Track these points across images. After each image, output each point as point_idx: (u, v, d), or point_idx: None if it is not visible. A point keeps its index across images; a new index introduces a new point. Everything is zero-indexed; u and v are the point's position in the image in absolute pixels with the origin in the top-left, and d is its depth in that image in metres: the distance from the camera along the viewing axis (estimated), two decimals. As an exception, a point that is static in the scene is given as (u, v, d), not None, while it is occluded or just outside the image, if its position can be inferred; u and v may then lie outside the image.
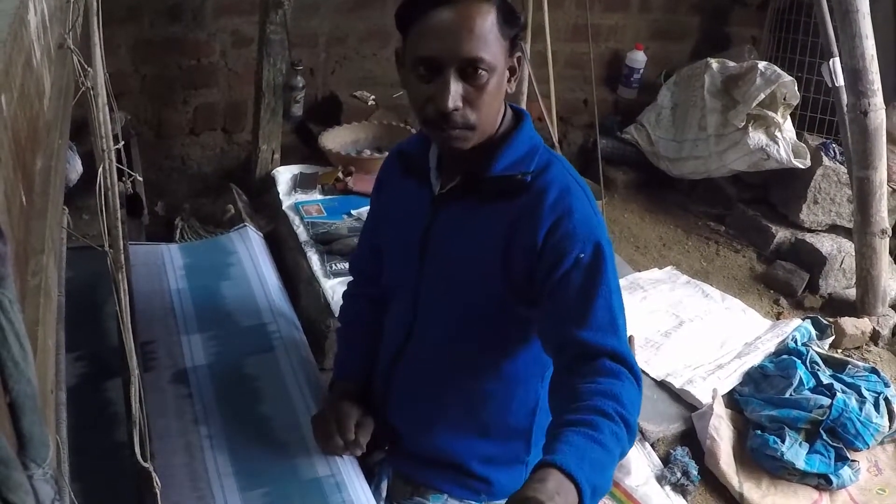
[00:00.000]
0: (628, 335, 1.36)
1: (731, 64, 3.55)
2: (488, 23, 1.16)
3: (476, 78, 1.17)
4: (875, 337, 2.98)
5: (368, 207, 1.63)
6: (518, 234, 1.26)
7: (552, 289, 1.22)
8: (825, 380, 2.42)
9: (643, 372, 2.45)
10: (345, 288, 1.71)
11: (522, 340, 1.37)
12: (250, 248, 2.14)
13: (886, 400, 2.38)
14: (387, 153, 1.61)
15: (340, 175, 2.97)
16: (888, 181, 3.01)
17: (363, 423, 1.47)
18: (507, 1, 1.21)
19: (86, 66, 0.96)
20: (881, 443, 2.38)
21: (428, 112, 1.20)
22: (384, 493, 1.50)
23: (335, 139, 3.18)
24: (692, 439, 2.31)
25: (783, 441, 2.22)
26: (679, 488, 2.15)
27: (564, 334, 1.20)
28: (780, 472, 2.22)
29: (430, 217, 1.36)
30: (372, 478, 1.49)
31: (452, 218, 1.34)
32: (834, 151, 3.42)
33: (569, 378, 1.16)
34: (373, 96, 3.54)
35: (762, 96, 3.31)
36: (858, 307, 3.09)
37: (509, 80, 1.25)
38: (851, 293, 3.20)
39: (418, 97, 1.21)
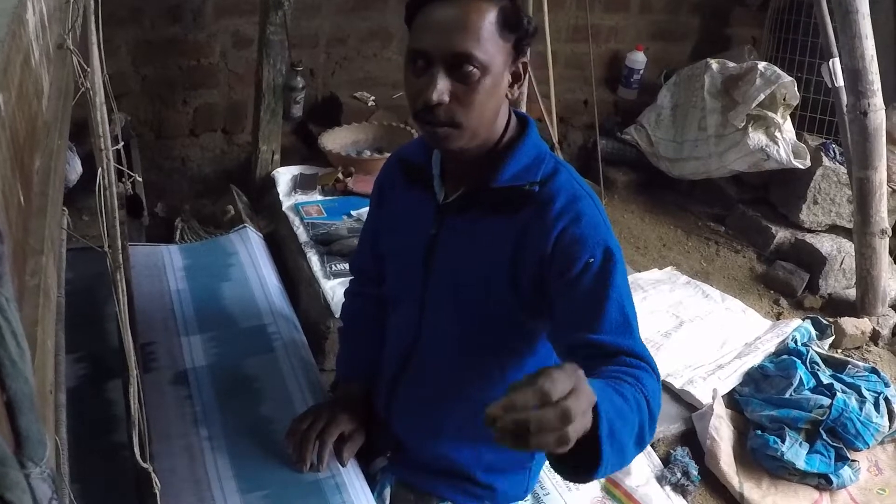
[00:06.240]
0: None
1: (731, 64, 3.56)
2: (485, 21, 1.14)
3: (466, 75, 1.14)
4: (875, 337, 2.98)
5: (368, 209, 1.61)
6: (527, 244, 1.23)
7: (563, 293, 1.20)
8: (825, 380, 2.42)
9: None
10: (345, 288, 1.70)
11: (529, 350, 1.35)
12: (250, 249, 2.14)
13: (886, 400, 2.38)
14: (387, 154, 1.60)
15: (340, 176, 2.97)
16: (888, 181, 3.01)
17: (354, 437, 1.43)
18: (515, 5, 1.19)
19: (85, 67, 0.96)
20: (881, 442, 2.38)
21: (417, 106, 1.18)
22: (387, 501, 1.49)
23: (335, 140, 3.19)
24: (692, 439, 2.31)
25: (783, 441, 2.22)
26: (679, 489, 2.15)
27: (577, 339, 1.17)
28: (781, 472, 2.22)
29: (436, 227, 1.34)
30: (374, 485, 1.47)
31: (458, 229, 1.32)
32: (834, 152, 3.42)
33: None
34: (373, 97, 3.54)
35: (762, 97, 3.31)
36: (858, 307, 3.09)
37: (511, 86, 1.22)
38: (851, 293, 3.20)
39: (411, 90, 1.20)
